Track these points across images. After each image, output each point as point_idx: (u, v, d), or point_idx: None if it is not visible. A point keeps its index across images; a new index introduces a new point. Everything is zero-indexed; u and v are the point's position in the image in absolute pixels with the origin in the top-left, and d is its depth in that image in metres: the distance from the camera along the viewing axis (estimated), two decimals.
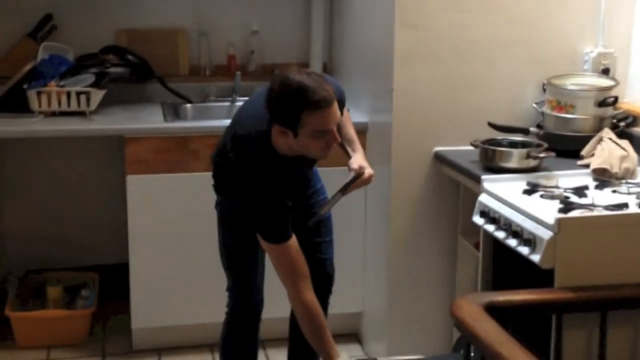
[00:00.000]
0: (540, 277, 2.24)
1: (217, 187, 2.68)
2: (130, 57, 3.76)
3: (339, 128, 2.51)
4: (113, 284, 3.83)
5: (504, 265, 2.63)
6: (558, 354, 2.10)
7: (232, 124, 2.55)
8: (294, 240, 2.39)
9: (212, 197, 2.75)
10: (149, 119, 3.49)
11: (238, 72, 3.82)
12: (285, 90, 2.23)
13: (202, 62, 3.97)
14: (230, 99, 3.88)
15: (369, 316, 3.48)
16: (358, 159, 2.62)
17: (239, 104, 3.84)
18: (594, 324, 2.12)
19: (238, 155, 2.40)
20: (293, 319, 2.77)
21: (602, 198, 2.38)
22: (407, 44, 2.98)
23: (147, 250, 3.41)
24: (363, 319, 3.54)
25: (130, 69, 3.73)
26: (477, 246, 2.94)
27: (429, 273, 3.16)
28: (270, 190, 2.33)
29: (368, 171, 2.58)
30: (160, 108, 3.72)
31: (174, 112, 3.69)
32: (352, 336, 3.57)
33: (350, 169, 2.58)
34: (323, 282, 2.73)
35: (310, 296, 2.41)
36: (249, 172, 2.36)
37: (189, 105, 3.84)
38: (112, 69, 3.64)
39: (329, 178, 2.82)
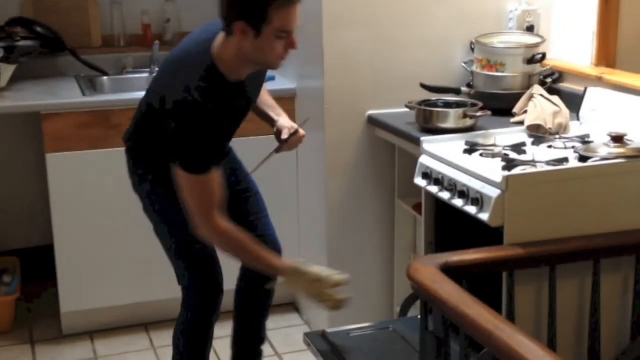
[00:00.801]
0: (483, 235, 2.25)
1: (144, 174, 2.45)
2: (39, 29, 3.58)
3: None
4: (36, 268, 3.68)
5: (445, 226, 2.64)
6: (510, 310, 2.11)
7: (157, 82, 2.37)
8: (217, 174, 2.24)
9: None
10: (66, 94, 3.34)
11: (157, 42, 3.70)
12: None
13: (116, 32, 3.82)
14: (148, 69, 3.76)
15: None
16: (287, 120, 2.59)
17: None
18: (544, 279, 2.14)
19: (183, 99, 2.17)
20: (239, 298, 2.71)
21: (541, 154, 2.40)
22: (335, 7, 2.93)
23: (72, 230, 3.28)
24: None
25: (41, 42, 3.54)
26: (416, 209, 2.94)
27: (367, 239, 3.15)
28: (214, 122, 2.19)
29: (301, 131, 2.56)
30: (76, 82, 3.56)
31: (91, 86, 3.54)
32: (290, 305, 3.54)
33: (279, 130, 2.56)
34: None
35: (224, 222, 2.27)
36: (197, 104, 2.16)
37: (105, 78, 3.69)
38: (21, 42, 3.45)
39: (251, 148, 2.75)
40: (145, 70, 3.76)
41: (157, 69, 3.70)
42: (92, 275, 3.32)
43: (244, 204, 2.61)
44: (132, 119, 2.49)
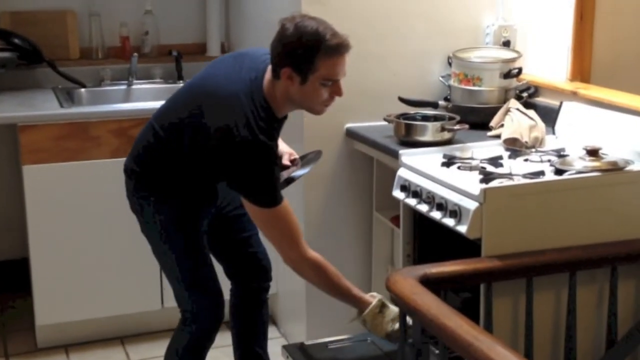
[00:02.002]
0: (460, 248, 2.27)
1: (147, 195, 2.40)
2: (16, 40, 3.56)
3: None
4: (10, 281, 3.65)
5: (422, 239, 2.66)
6: (488, 321, 2.13)
7: (188, 112, 2.31)
8: (288, 203, 2.28)
9: (117, 184, 2.55)
10: (44, 106, 3.32)
11: (135, 54, 3.69)
12: (303, 31, 2.14)
13: (94, 44, 3.82)
14: (126, 82, 3.74)
15: (285, 298, 3.45)
16: (284, 144, 2.59)
17: (136, 87, 3.75)
18: (520, 290, 2.16)
19: (246, 138, 2.18)
20: (235, 311, 2.70)
21: (517, 167, 2.43)
22: None
23: (49, 243, 3.25)
24: (278, 301, 3.50)
25: (18, 53, 3.52)
26: (393, 221, 2.96)
27: (344, 251, 3.15)
28: (272, 152, 2.23)
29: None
30: (53, 93, 3.55)
31: (69, 98, 3.52)
32: None
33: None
34: (260, 276, 2.67)
35: (313, 252, 2.32)
36: (265, 144, 2.20)
37: (83, 90, 3.68)
38: None
39: None
40: (123, 82, 3.75)
41: (135, 81, 3.71)
42: (68, 288, 3.29)
43: (237, 221, 2.60)
44: (137, 143, 2.43)
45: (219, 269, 2.62)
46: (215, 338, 2.57)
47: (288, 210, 2.28)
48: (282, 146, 2.58)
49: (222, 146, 2.20)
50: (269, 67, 2.26)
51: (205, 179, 2.40)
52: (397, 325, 2.31)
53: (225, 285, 2.64)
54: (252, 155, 2.19)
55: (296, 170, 2.54)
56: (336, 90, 2.25)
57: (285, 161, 2.56)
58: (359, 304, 2.38)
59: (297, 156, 2.61)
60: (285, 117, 2.38)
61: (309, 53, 2.15)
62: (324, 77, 2.19)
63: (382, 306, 2.37)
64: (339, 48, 2.18)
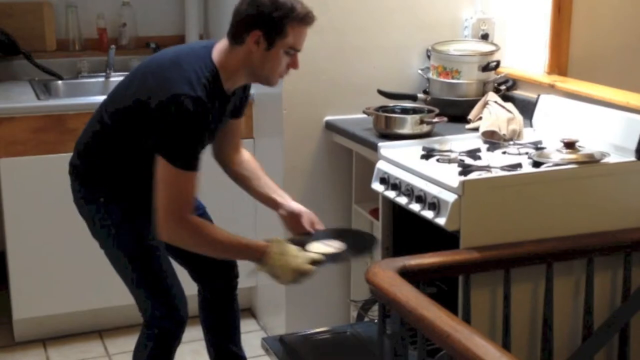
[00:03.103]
0: (438, 240, 2.29)
1: (95, 196, 2.36)
2: None
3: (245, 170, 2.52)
4: None
5: (401, 231, 2.67)
6: (466, 312, 2.14)
7: (141, 84, 2.26)
8: (195, 177, 2.22)
9: None
10: (20, 98, 3.29)
11: (113, 46, 3.67)
12: None
13: (71, 36, 3.79)
14: (104, 74, 3.72)
15: (263, 290, 3.45)
16: (296, 203, 2.53)
17: (114, 79, 3.72)
18: (498, 282, 2.18)
19: (186, 93, 2.13)
20: (204, 312, 2.67)
21: (495, 159, 2.44)
22: None
23: (26, 236, 3.23)
24: (257, 294, 3.50)
25: None
26: (372, 214, 2.97)
27: None
28: (207, 121, 2.19)
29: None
30: (30, 85, 3.52)
31: (46, 90, 3.49)
32: (247, 311, 3.53)
33: (294, 217, 2.48)
34: (225, 275, 2.62)
35: (194, 217, 2.24)
36: (200, 100, 2.14)
37: (60, 82, 3.65)
38: None
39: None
40: (100, 74, 3.73)
41: (113, 73, 3.69)
42: (46, 282, 3.27)
43: None
44: (81, 139, 2.40)
45: (182, 272, 2.58)
46: (182, 337, 2.50)
47: (193, 181, 2.21)
48: (300, 207, 2.51)
49: (160, 102, 2.15)
50: (222, 40, 2.27)
51: (149, 165, 2.29)
52: (304, 260, 2.25)
53: (190, 284, 2.61)
54: (184, 107, 2.12)
55: (346, 252, 2.39)
56: (294, 63, 2.29)
57: (306, 224, 2.48)
58: (256, 252, 2.28)
59: (321, 225, 2.50)
60: (232, 95, 2.32)
61: (281, 18, 2.19)
62: (289, 45, 2.23)
63: (282, 245, 2.30)
64: (308, 17, 2.25)
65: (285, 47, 2.23)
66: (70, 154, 3.08)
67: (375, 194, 2.63)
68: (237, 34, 2.23)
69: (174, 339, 2.48)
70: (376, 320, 2.42)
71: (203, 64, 2.22)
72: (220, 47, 2.27)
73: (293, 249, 2.31)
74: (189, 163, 2.19)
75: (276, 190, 2.54)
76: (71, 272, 3.29)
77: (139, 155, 2.29)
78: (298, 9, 2.21)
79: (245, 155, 2.57)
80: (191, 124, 2.15)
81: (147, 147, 2.23)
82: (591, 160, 2.31)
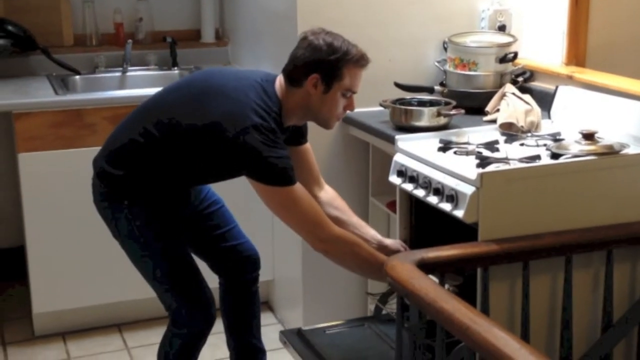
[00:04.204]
0: (455, 232, 2.28)
1: (119, 198, 2.35)
2: (10, 27, 3.55)
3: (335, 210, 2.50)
4: (6, 270, 3.65)
5: (418, 224, 2.66)
6: (485, 305, 2.14)
7: (189, 109, 2.26)
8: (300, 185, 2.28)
9: None
10: (38, 93, 3.31)
11: (130, 41, 3.68)
12: (332, 42, 2.25)
13: (88, 31, 3.81)
14: (121, 68, 3.74)
15: (281, 284, 3.46)
16: (389, 239, 2.55)
17: (131, 73, 3.74)
18: (517, 274, 2.17)
19: (260, 124, 2.19)
20: (225, 305, 2.68)
21: (513, 151, 2.43)
22: (309, 7, 2.95)
23: (45, 231, 3.25)
24: (274, 287, 3.51)
25: (12, 41, 3.51)
26: (389, 206, 2.96)
27: None
28: (279, 136, 2.25)
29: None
30: (47, 81, 3.54)
31: (64, 85, 3.51)
32: (264, 304, 3.52)
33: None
34: (246, 268, 2.63)
35: (338, 228, 2.31)
36: (272, 128, 2.21)
37: (77, 77, 3.67)
38: None
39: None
40: (117, 69, 3.74)
41: (129, 68, 3.70)
42: (65, 276, 3.29)
43: (212, 218, 2.58)
44: (114, 143, 2.36)
45: (203, 265, 2.59)
46: (208, 336, 2.53)
47: (304, 191, 2.28)
48: (391, 242, 2.52)
49: (233, 136, 2.17)
50: (279, 77, 2.32)
51: (192, 177, 2.37)
52: None
53: (213, 278, 2.62)
54: (261, 137, 2.18)
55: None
56: (350, 104, 2.35)
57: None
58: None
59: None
60: (287, 130, 2.37)
61: (337, 62, 2.25)
62: (346, 88, 2.29)
63: None
64: (363, 60, 2.31)
65: (342, 90, 2.29)
66: (89, 149, 3.13)
67: (392, 186, 2.62)
68: (295, 78, 2.28)
69: (202, 338, 2.51)
70: (394, 313, 2.42)
71: (271, 99, 2.27)
72: (280, 84, 2.31)
73: None
74: (290, 177, 2.23)
75: (365, 227, 2.54)
76: (90, 266, 3.31)
77: (179, 165, 2.31)
78: (353, 52, 2.28)
79: (330, 192, 2.57)
80: (273, 144, 2.20)
81: (198, 164, 2.28)
82: (610, 152, 2.29)
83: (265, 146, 2.18)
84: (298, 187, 2.25)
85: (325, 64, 2.25)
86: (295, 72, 2.28)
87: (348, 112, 2.39)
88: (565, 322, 2.21)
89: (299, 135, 2.47)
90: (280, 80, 2.32)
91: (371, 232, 2.51)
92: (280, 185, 2.22)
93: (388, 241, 2.51)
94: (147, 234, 2.36)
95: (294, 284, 3.26)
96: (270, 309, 3.55)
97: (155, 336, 3.20)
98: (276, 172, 2.20)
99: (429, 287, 1.82)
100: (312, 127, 3.02)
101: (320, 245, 2.30)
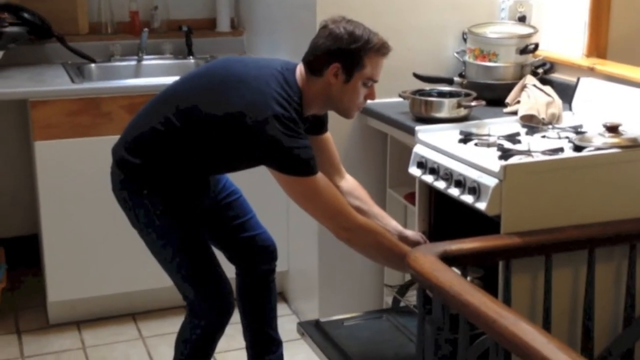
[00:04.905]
0: (474, 225, 2.26)
1: (138, 187, 2.33)
2: (26, 15, 3.52)
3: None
4: (21, 258, 3.64)
5: (436, 216, 2.64)
6: (506, 298, 2.12)
7: (210, 98, 2.25)
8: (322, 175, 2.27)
9: None
10: (55, 81, 3.30)
11: (145, 29, 3.67)
12: (354, 30, 2.23)
13: (103, 19, 3.79)
14: (136, 57, 3.72)
15: (296, 275, 3.44)
16: (409, 230, 2.54)
17: (146, 62, 3.72)
18: (539, 267, 2.15)
19: (281, 114, 2.17)
20: (242, 295, 2.66)
21: (535, 144, 2.41)
22: None
23: (60, 219, 3.24)
24: (289, 278, 3.50)
25: (28, 28, 3.49)
26: (407, 198, 2.95)
27: None
28: (301, 126, 2.23)
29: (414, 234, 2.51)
30: (63, 69, 3.53)
31: (79, 73, 3.49)
32: (278, 295, 3.51)
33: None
34: (263, 259, 2.61)
35: (362, 217, 2.30)
36: (293, 117, 2.19)
37: (93, 65, 3.66)
38: (9, 29, 3.40)
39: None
40: (133, 57, 3.73)
41: (145, 56, 3.68)
42: (80, 265, 3.29)
43: (230, 208, 2.56)
44: (134, 130, 2.34)
45: (221, 256, 2.58)
46: (226, 327, 2.52)
47: (326, 180, 2.27)
48: (411, 233, 2.50)
49: (254, 125, 2.16)
50: (299, 66, 2.29)
51: (212, 166, 2.36)
52: None
53: (230, 269, 2.61)
54: (284, 126, 2.16)
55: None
56: (371, 94, 2.32)
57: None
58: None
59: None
60: (307, 119, 2.35)
61: (359, 51, 2.22)
62: (367, 77, 2.26)
63: None
64: (384, 48, 2.28)
65: (363, 79, 2.26)
66: (105, 137, 3.13)
67: (410, 178, 2.60)
68: (316, 67, 2.26)
69: (220, 328, 2.50)
70: (412, 305, 2.41)
71: (291, 88, 2.24)
72: (300, 73, 2.29)
73: None
74: (312, 166, 2.21)
75: (386, 217, 2.52)
76: (105, 255, 3.30)
77: (199, 154, 2.29)
78: (374, 41, 2.25)
79: (351, 181, 2.55)
80: (294, 134, 2.18)
81: (218, 153, 2.27)
82: (635, 145, 2.27)
83: (287, 136, 2.17)
84: (320, 176, 2.24)
85: (346, 53, 2.23)
86: (315, 61, 2.26)
87: (368, 102, 2.36)
88: (587, 315, 2.20)
89: (319, 125, 2.45)
90: (300, 69, 2.30)
91: (392, 223, 2.48)
92: (302, 175, 2.20)
93: (408, 232, 2.49)
94: (166, 223, 2.34)
95: (310, 275, 3.24)
96: (284, 299, 3.54)
97: (169, 326, 3.20)
98: (298, 162, 2.19)
99: (453, 279, 1.80)
100: (330, 118, 3.02)
101: (343, 233, 2.28)
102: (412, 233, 2.49)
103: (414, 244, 2.37)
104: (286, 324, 3.14)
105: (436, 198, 2.58)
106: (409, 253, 2.00)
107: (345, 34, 2.23)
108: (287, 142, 2.17)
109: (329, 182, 2.29)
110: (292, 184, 2.22)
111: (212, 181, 2.47)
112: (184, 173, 2.33)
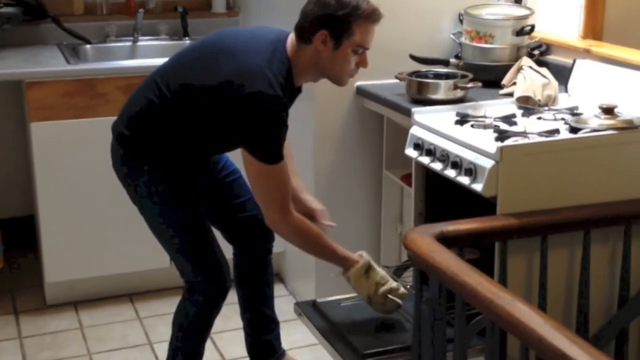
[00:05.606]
0: (470, 206, 2.27)
1: (139, 163, 2.35)
2: None
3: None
4: (17, 239, 3.65)
5: (432, 197, 2.65)
6: (503, 278, 2.14)
7: (202, 69, 2.27)
8: (284, 164, 2.28)
9: None
10: (50, 62, 3.29)
11: (141, 10, 3.65)
12: None
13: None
14: (132, 38, 3.71)
15: (292, 256, 3.46)
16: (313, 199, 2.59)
17: (142, 43, 3.71)
18: (535, 248, 2.17)
19: (267, 92, 2.17)
20: (239, 274, 2.68)
21: (532, 125, 2.42)
22: None
23: (57, 200, 3.24)
24: (286, 259, 3.51)
25: (23, 9, 3.48)
26: (403, 180, 2.96)
27: (354, 209, 3.16)
28: (285, 108, 2.23)
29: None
30: (58, 50, 3.51)
31: (75, 54, 3.48)
32: (275, 276, 3.53)
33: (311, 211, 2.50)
34: (261, 239, 2.63)
35: (296, 215, 2.33)
36: (280, 98, 2.19)
37: (88, 46, 3.64)
38: (3, 9, 3.39)
39: None
40: (128, 38, 3.71)
41: (140, 37, 3.67)
42: (77, 246, 3.29)
43: (231, 187, 2.58)
44: (131, 106, 2.37)
45: (219, 235, 2.60)
46: (222, 306, 2.54)
47: (284, 171, 2.28)
48: (315, 205, 2.55)
49: (237, 98, 2.18)
50: (290, 35, 2.28)
51: (206, 141, 2.36)
52: (380, 290, 2.36)
53: (228, 248, 2.63)
54: (266, 107, 2.17)
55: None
56: (362, 61, 2.30)
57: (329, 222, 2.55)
58: (345, 263, 2.41)
59: (328, 222, 2.56)
60: (299, 90, 2.36)
61: (347, 17, 2.20)
62: (357, 44, 2.24)
63: (368, 268, 2.39)
64: (374, 15, 2.25)
65: (352, 46, 2.24)
66: (101, 119, 3.13)
67: (406, 160, 2.61)
68: (304, 34, 2.25)
69: (216, 307, 2.51)
70: (409, 286, 2.42)
71: (279, 60, 2.23)
72: (291, 42, 2.28)
73: (379, 274, 2.38)
74: (278, 156, 2.23)
75: (295, 176, 2.54)
76: (102, 236, 3.31)
77: (193, 127, 2.30)
78: (363, 7, 2.22)
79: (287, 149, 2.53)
80: (275, 122, 2.19)
81: (212, 125, 2.27)
82: (630, 126, 2.28)
83: (267, 119, 2.18)
84: (282, 165, 2.25)
85: (333, 20, 2.20)
86: (304, 29, 2.25)
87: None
88: (582, 296, 2.22)
89: None
90: (291, 38, 2.29)
91: (299, 185, 2.54)
92: (268, 163, 2.23)
93: (311, 203, 2.54)
94: (166, 200, 2.36)
95: (306, 256, 3.24)
96: (280, 280, 3.56)
97: (166, 306, 3.22)
98: (269, 151, 2.21)
99: (450, 260, 1.82)
100: (326, 100, 3.02)
101: (274, 223, 2.34)
102: (313, 204, 2.53)
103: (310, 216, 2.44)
104: (283, 304, 3.15)
105: (432, 179, 2.59)
106: (407, 234, 2.01)
107: (333, 0, 2.21)
108: (267, 127, 2.18)
109: (287, 170, 2.30)
110: (253, 161, 2.24)
111: (212, 159, 2.47)
112: (182, 148, 2.34)
